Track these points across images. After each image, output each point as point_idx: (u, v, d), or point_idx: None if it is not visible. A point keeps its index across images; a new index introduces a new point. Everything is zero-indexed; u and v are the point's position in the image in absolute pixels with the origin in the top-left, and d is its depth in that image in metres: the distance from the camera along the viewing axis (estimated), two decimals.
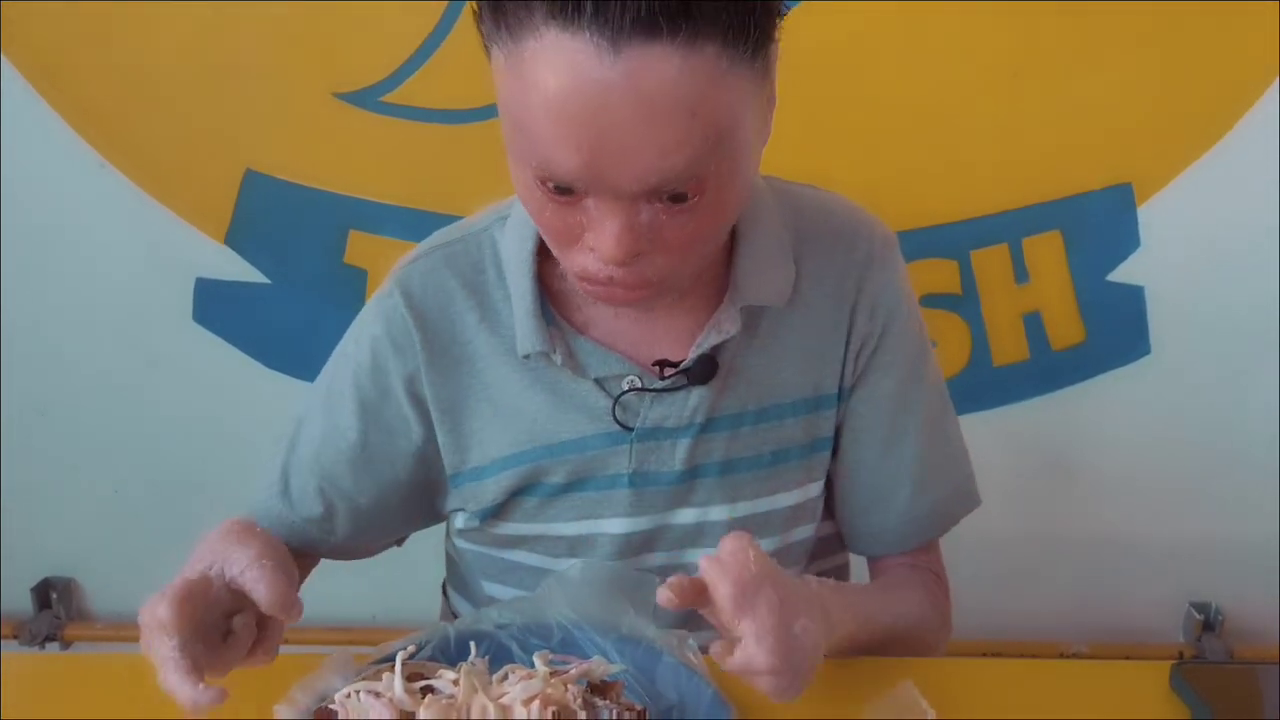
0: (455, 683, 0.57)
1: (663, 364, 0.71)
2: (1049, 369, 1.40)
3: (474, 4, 0.58)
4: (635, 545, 0.75)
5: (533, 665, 0.60)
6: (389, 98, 1.30)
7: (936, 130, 1.31)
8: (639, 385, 0.71)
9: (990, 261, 1.36)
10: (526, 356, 0.72)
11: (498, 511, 0.76)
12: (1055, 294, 1.37)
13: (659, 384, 0.72)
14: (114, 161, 1.34)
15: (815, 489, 0.78)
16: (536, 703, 0.56)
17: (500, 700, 0.56)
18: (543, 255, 0.71)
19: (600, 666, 0.60)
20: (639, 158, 0.55)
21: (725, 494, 0.75)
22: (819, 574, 0.76)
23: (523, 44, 0.55)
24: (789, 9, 0.63)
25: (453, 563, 0.86)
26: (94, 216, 1.36)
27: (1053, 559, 1.48)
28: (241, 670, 0.59)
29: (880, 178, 1.31)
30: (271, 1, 1.27)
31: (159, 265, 1.37)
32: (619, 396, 0.72)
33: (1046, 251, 1.36)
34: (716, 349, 0.72)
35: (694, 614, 0.78)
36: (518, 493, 0.75)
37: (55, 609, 1.56)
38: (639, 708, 0.60)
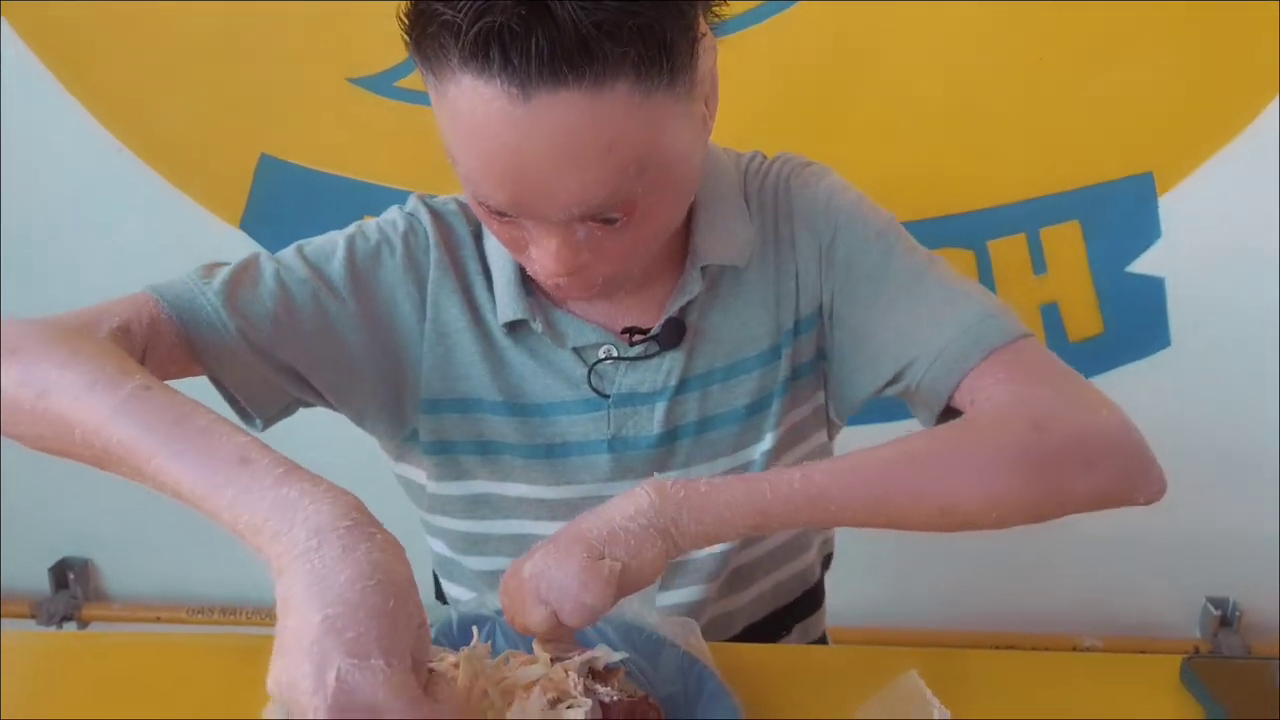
0: (456, 666, 0.56)
1: (632, 331, 0.74)
2: (1067, 360, 1.38)
3: (404, 39, 0.59)
4: None
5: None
6: (403, 83, 1.30)
7: (955, 118, 1.29)
8: (614, 354, 0.74)
9: (1008, 251, 1.35)
10: (508, 325, 0.73)
11: (485, 457, 0.76)
12: (1074, 285, 1.36)
13: (632, 352, 0.74)
14: (130, 146, 1.35)
15: (790, 433, 0.78)
16: (538, 688, 0.56)
17: (501, 685, 0.56)
18: None
19: (602, 654, 0.60)
20: (560, 193, 0.58)
21: (705, 452, 0.77)
22: None
23: (444, 84, 0.57)
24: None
25: (439, 557, 0.85)
26: (109, 201, 1.37)
27: (1067, 552, 1.47)
28: (242, 656, 0.58)
29: (897, 166, 1.30)
30: None
31: (173, 249, 1.38)
32: (594, 365, 0.74)
33: (1065, 242, 1.35)
34: (683, 311, 0.74)
35: (700, 602, 0.79)
36: (503, 448, 0.76)
37: (72, 589, 1.58)
38: (640, 694, 0.59)
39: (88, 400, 0.53)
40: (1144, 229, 1.33)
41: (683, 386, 0.75)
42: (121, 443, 0.51)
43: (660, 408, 0.75)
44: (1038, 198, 1.33)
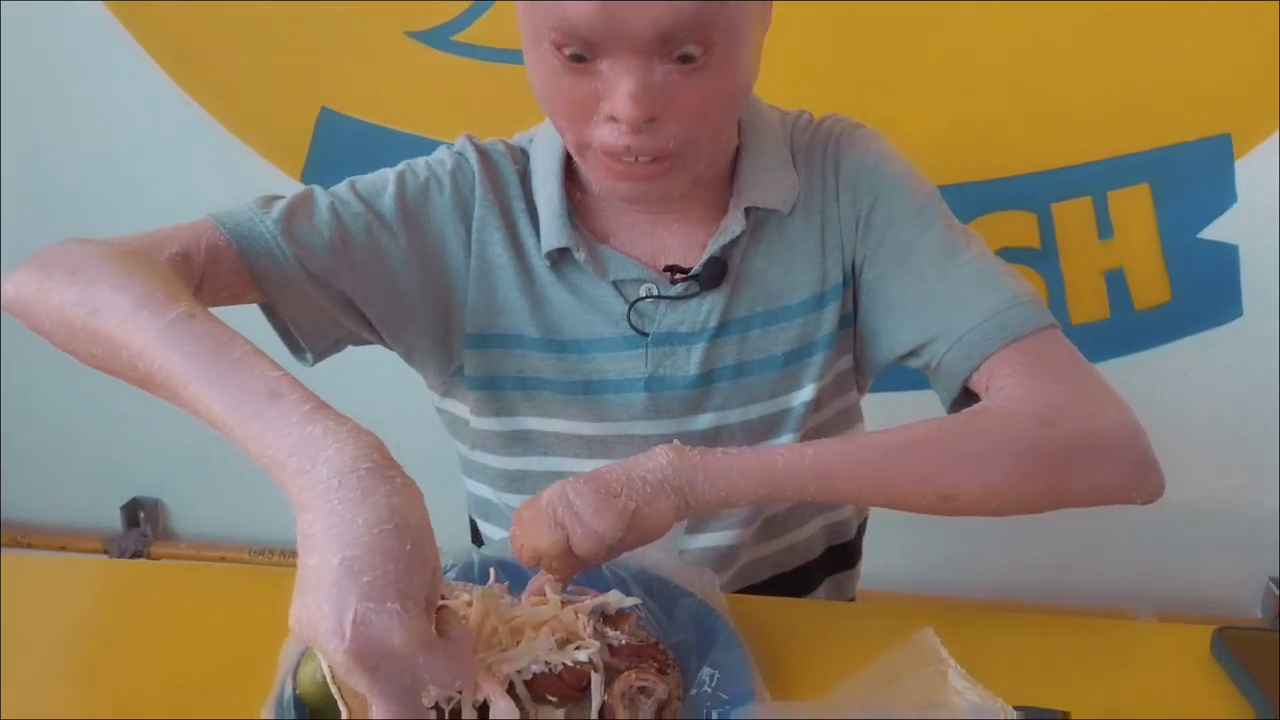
0: (469, 604, 0.58)
1: (673, 270, 0.74)
2: (1130, 329, 1.34)
3: None
4: None
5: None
6: (460, 37, 1.31)
7: (1020, 75, 1.25)
8: (655, 292, 0.74)
9: (1072, 215, 1.31)
10: (550, 253, 0.74)
11: (525, 393, 0.77)
12: (1141, 251, 1.31)
13: (674, 290, 0.75)
14: (197, 98, 1.39)
15: (832, 384, 0.79)
16: (546, 628, 0.57)
17: (512, 624, 0.57)
18: (567, 169, 0.75)
19: (614, 599, 0.61)
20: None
21: (740, 397, 0.77)
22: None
23: None
24: None
25: (477, 499, 0.87)
26: (176, 152, 1.41)
27: (1126, 527, 1.43)
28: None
29: (958, 124, 1.27)
30: None
31: (237, 202, 1.41)
32: (635, 302, 0.74)
33: (1134, 206, 1.30)
34: (725, 251, 0.74)
35: (733, 547, 0.79)
36: (542, 384, 0.77)
37: (143, 527, 1.65)
38: (651, 639, 0.60)
39: (134, 322, 0.54)
40: (1219, 194, 1.28)
41: (722, 329, 0.76)
42: (162, 368, 0.52)
43: (699, 349, 0.76)
44: (1106, 159, 1.28)
